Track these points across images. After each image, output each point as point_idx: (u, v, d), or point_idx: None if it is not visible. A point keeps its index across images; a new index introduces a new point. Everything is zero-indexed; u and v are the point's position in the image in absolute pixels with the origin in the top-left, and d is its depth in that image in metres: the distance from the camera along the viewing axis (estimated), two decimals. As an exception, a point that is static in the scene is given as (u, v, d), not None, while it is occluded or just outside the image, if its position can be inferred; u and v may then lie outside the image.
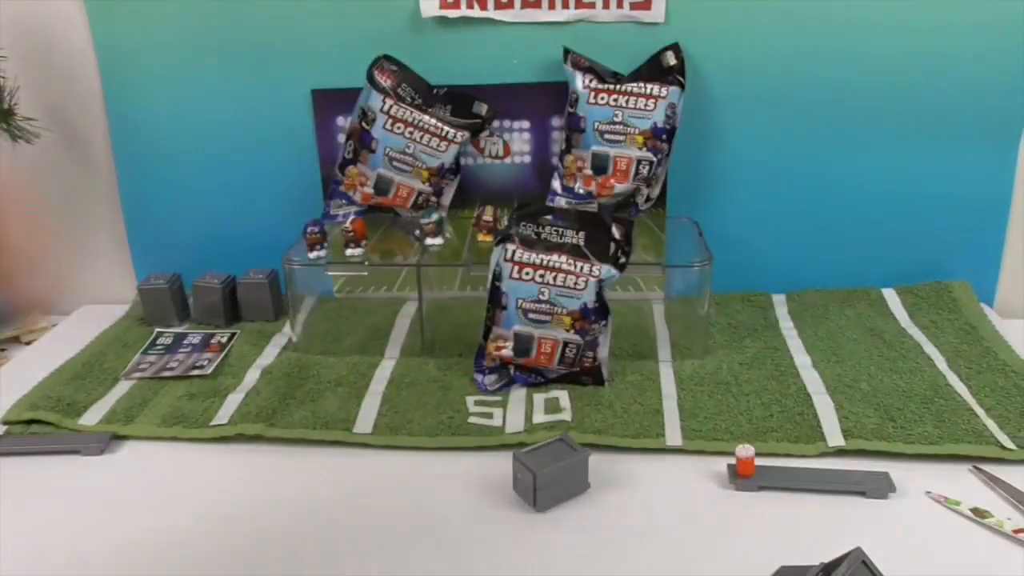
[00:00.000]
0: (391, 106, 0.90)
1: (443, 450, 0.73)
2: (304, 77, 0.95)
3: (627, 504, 0.66)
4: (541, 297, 0.78)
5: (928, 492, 0.66)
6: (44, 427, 0.78)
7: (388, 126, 0.90)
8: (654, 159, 0.89)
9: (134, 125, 0.99)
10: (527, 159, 0.97)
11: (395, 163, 0.92)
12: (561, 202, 0.93)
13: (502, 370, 0.82)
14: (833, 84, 0.92)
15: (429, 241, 0.89)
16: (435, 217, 0.89)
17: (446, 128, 0.91)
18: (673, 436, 0.73)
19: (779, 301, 0.99)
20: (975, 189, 0.95)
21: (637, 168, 0.89)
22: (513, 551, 0.61)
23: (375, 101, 0.90)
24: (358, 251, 0.89)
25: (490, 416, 0.77)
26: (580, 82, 0.90)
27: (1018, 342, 0.87)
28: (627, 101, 0.89)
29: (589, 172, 0.91)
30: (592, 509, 0.65)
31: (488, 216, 0.90)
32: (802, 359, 0.85)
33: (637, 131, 0.89)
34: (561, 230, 0.79)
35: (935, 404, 0.76)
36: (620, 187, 0.90)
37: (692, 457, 0.72)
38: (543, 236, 0.79)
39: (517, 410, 0.78)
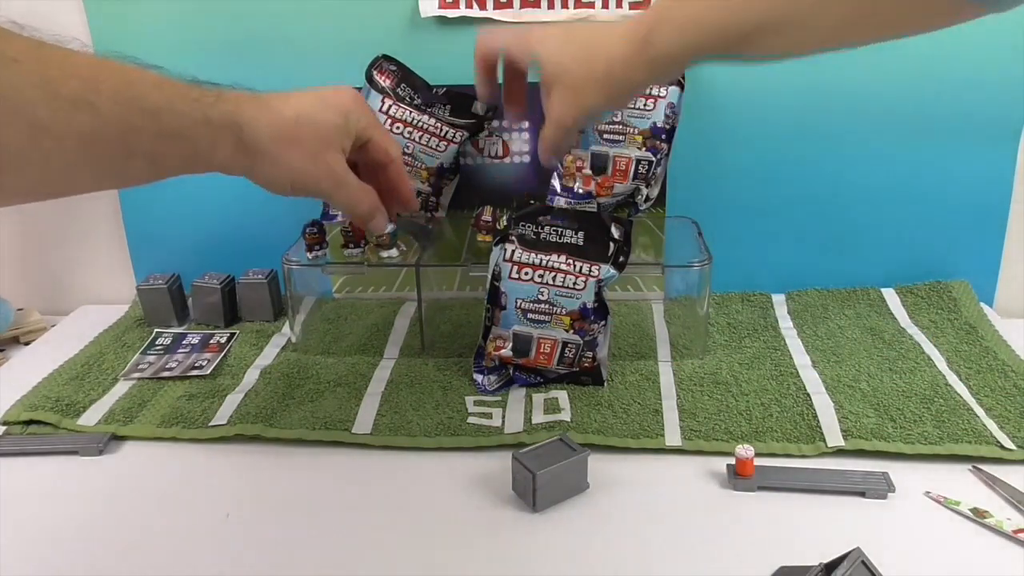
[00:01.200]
0: (390, 106, 0.90)
1: (442, 450, 0.73)
2: (303, 77, 0.95)
3: (626, 504, 0.66)
4: (540, 297, 0.78)
5: (928, 492, 0.66)
6: (43, 427, 0.78)
7: (387, 126, 0.90)
8: (653, 159, 0.89)
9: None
10: (526, 159, 0.97)
11: (394, 163, 0.92)
12: (560, 202, 0.93)
13: (501, 370, 0.82)
14: (833, 84, 0.92)
15: (384, 253, 0.88)
16: (389, 228, 0.88)
17: (445, 128, 0.91)
18: (672, 436, 0.73)
19: (779, 301, 0.99)
20: (975, 189, 0.95)
21: (636, 168, 0.89)
22: (512, 551, 0.61)
23: (374, 101, 0.90)
24: (357, 251, 0.89)
25: (489, 416, 0.77)
26: (579, 82, 0.90)
27: (1018, 342, 0.87)
28: (626, 101, 0.89)
29: (588, 172, 0.91)
30: (591, 509, 0.65)
31: (487, 216, 0.90)
32: (802, 359, 0.85)
33: (636, 131, 0.89)
34: (560, 230, 0.79)
35: (935, 404, 0.76)
36: (619, 187, 0.90)
37: (691, 457, 0.72)
38: (542, 236, 0.79)
39: (516, 410, 0.78)
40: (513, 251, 0.79)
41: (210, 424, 0.77)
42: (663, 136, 0.89)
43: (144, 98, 0.50)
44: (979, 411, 0.75)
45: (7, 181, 0.45)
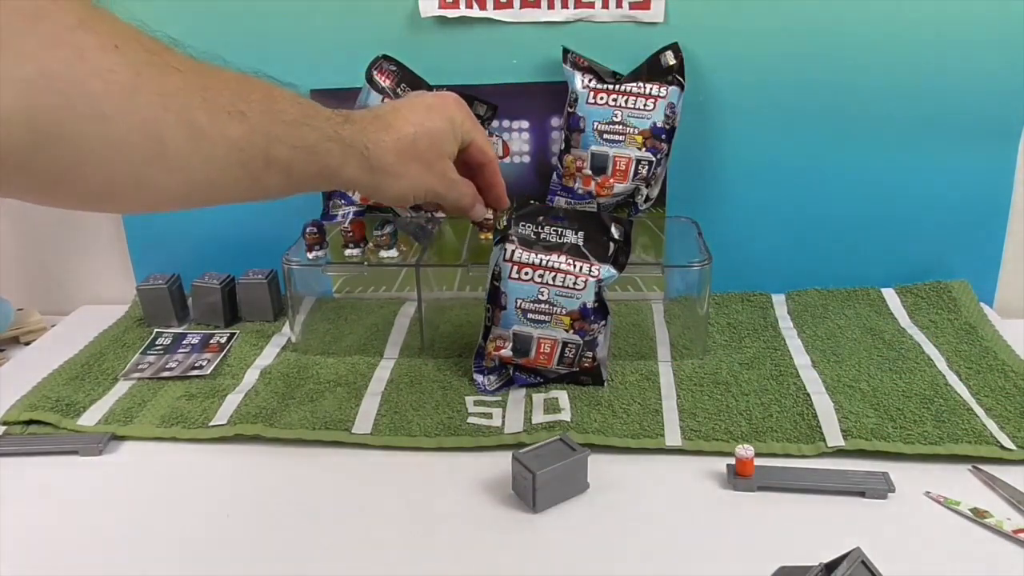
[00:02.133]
0: (390, 106, 0.90)
1: (442, 450, 0.73)
2: (302, 77, 0.95)
3: (626, 504, 0.66)
4: (540, 297, 0.78)
5: (927, 492, 0.66)
6: (43, 427, 0.78)
7: (387, 126, 0.90)
8: (654, 159, 0.89)
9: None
10: (526, 159, 0.97)
11: (394, 163, 0.92)
12: (560, 202, 0.93)
13: (501, 370, 0.82)
14: (833, 84, 0.92)
15: (384, 253, 0.89)
16: (388, 229, 0.88)
17: (445, 128, 0.91)
18: (672, 436, 0.73)
19: (779, 301, 0.99)
20: (975, 189, 0.95)
21: (636, 168, 0.89)
22: (512, 551, 0.61)
23: (374, 101, 0.90)
24: (357, 251, 0.89)
25: (489, 416, 0.77)
26: (579, 82, 0.90)
27: (1018, 342, 0.87)
28: (626, 101, 0.89)
29: (588, 172, 0.91)
30: (591, 509, 0.65)
31: (488, 214, 0.90)
32: (801, 359, 0.85)
33: (636, 131, 0.89)
34: (560, 230, 0.79)
35: (935, 404, 0.76)
36: (620, 187, 0.90)
37: (691, 457, 0.72)
38: (542, 236, 0.79)
39: (516, 410, 0.78)
40: (513, 251, 0.79)
41: (210, 424, 0.77)
42: (663, 136, 0.89)
43: (285, 111, 0.54)
44: (979, 411, 0.75)
45: (173, 182, 0.48)
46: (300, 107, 0.55)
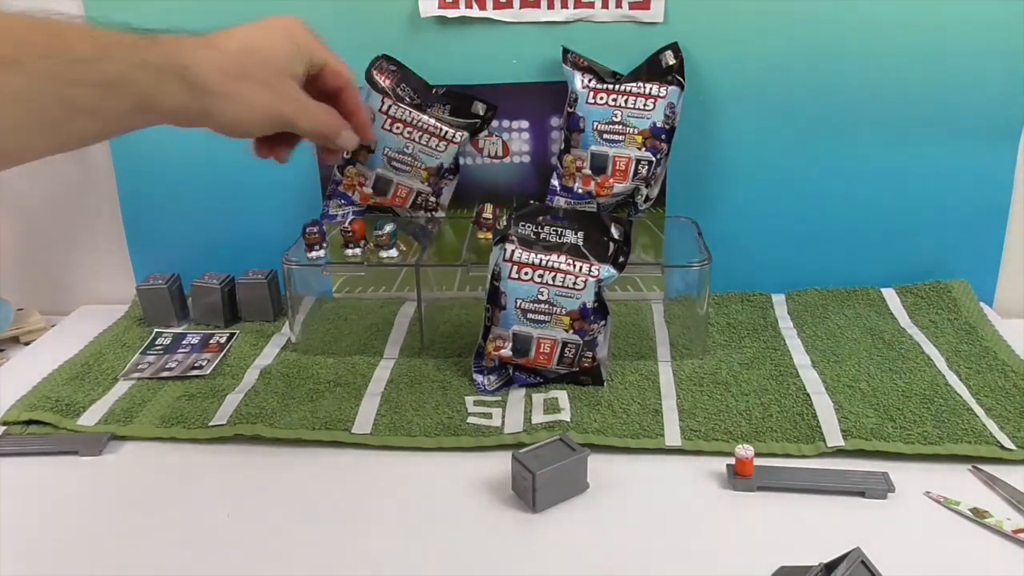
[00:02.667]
0: (390, 106, 0.90)
1: (442, 450, 0.73)
2: (303, 77, 0.95)
3: (626, 504, 0.66)
4: (540, 297, 0.78)
5: (927, 492, 0.66)
6: (43, 427, 0.78)
7: (387, 126, 0.90)
8: (653, 159, 0.89)
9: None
10: (526, 159, 0.97)
11: (394, 163, 0.92)
12: (560, 202, 0.93)
13: (501, 370, 0.82)
14: (833, 84, 0.92)
15: (383, 253, 0.88)
16: (388, 229, 0.88)
17: (445, 128, 0.91)
18: (672, 436, 0.73)
19: (778, 301, 0.99)
20: (975, 189, 0.95)
21: (636, 168, 0.89)
22: (511, 551, 0.61)
23: (374, 101, 0.90)
24: (357, 251, 0.89)
25: (489, 416, 0.77)
26: (579, 82, 0.90)
27: (1018, 342, 0.87)
28: (626, 101, 0.89)
29: (588, 172, 0.91)
30: (591, 509, 0.65)
31: (488, 214, 0.91)
32: (801, 359, 0.85)
33: (636, 131, 0.89)
34: (560, 230, 0.79)
35: (934, 404, 0.76)
36: (619, 187, 0.90)
37: (691, 457, 0.71)
38: (542, 236, 0.79)
39: (516, 410, 0.78)
40: (513, 251, 0.79)
41: (210, 424, 0.77)
42: (663, 136, 0.89)
43: (75, 49, 0.48)
44: (979, 411, 0.75)
45: None
46: (95, 41, 0.49)
